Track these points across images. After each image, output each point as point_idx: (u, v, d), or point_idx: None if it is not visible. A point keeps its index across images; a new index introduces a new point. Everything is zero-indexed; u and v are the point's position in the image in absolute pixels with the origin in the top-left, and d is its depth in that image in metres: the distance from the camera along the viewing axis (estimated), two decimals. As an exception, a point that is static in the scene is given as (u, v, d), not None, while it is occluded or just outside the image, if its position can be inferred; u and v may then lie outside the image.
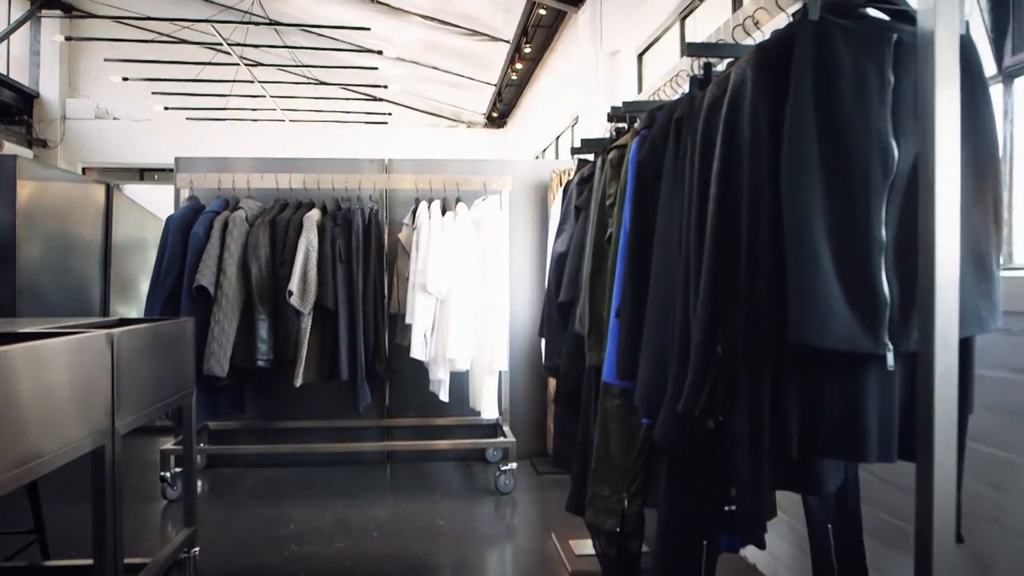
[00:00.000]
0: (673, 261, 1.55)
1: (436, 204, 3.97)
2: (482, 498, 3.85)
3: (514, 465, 3.86)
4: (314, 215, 3.85)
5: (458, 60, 8.74)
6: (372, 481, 4.13)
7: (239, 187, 4.02)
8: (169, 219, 3.85)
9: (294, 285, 3.69)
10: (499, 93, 9.29)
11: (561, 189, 2.92)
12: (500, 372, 4.04)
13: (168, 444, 3.83)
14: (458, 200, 4.04)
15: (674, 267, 1.55)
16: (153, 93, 9.53)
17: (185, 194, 4.09)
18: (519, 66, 7.64)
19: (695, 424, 1.41)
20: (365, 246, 3.87)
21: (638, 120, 2.14)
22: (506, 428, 4.16)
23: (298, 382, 3.74)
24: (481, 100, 10.19)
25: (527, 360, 4.51)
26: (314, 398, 4.24)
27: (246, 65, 8.65)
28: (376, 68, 9.05)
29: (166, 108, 9.86)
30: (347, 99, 10.84)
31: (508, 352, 3.98)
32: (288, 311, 3.72)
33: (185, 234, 3.77)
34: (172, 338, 2.54)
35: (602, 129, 3.24)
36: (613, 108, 2.23)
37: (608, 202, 2.12)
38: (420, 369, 3.94)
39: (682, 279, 1.47)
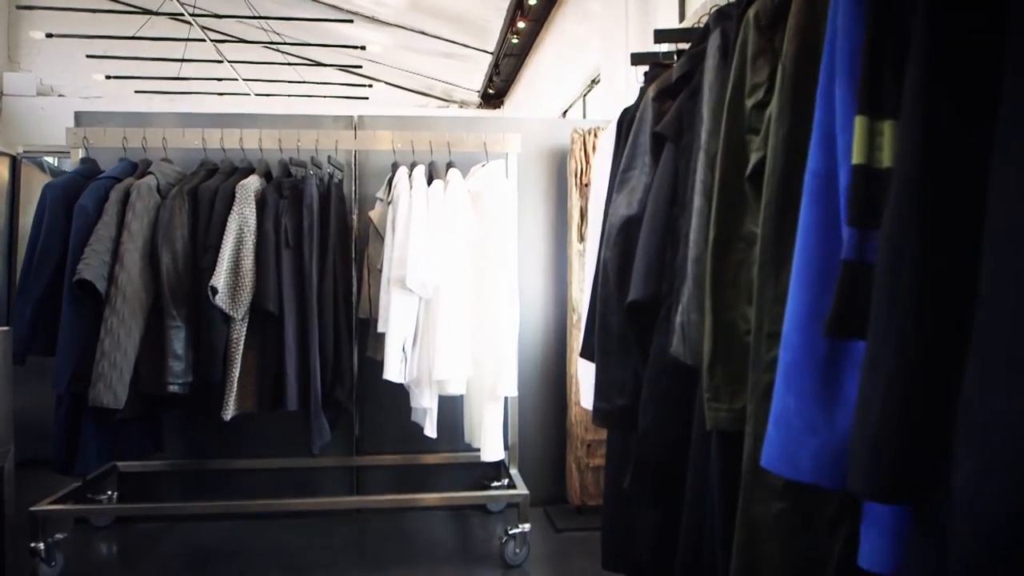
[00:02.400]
0: None
1: (420, 170, 2.91)
2: (484, 572, 2.79)
3: (527, 527, 2.80)
4: (252, 183, 2.78)
5: (449, 24, 7.62)
6: (334, 544, 3.06)
7: (153, 147, 2.95)
8: (47, 187, 2.77)
9: (220, 280, 2.62)
10: (496, 65, 8.19)
11: (615, 122, 1.86)
12: (506, 399, 2.99)
13: (44, 502, 2.72)
14: (450, 165, 2.98)
15: None
16: (88, 56, 8.30)
17: (80, 155, 3.01)
18: (521, 25, 6.55)
19: None
20: (322, 226, 2.80)
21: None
22: (514, 471, 3.11)
23: (228, 414, 2.68)
24: (475, 76, 9.11)
25: (538, 382, 3.45)
26: (259, 430, 3.21)
27: (193, 16, 7.39)
28: (351, 21, 7.87)
29: (108, 76, 8.63)
30: (322, 66, 9.68)
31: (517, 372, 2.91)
32: (214, 316, 2.65)
33: (69, 208, 2.70)
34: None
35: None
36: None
37: (751, 101, 1.06)
38: (399, 392, 2.89)
39: None
